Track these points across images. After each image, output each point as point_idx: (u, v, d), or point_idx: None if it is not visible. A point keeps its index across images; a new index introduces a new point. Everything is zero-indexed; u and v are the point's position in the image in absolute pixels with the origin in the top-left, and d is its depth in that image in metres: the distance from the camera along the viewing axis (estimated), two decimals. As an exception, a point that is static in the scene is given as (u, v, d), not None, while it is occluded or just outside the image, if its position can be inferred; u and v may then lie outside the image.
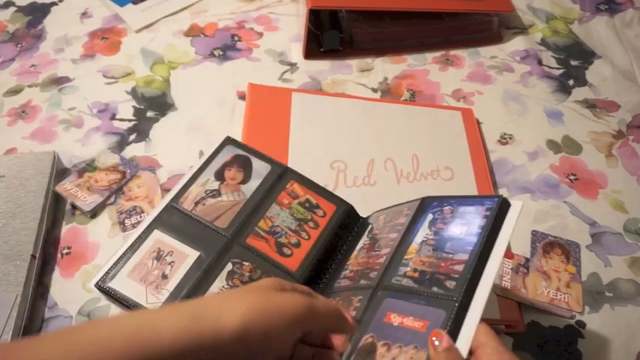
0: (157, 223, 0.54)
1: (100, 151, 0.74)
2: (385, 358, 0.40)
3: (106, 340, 0.31)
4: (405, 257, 0.46)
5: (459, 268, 0.41)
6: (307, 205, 0.57)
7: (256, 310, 0.34)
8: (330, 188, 0.61)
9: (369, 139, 0.74)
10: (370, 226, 0.56)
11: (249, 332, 0.33)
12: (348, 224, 0.57)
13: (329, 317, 0.39)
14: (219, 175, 0.58)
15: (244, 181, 0.58)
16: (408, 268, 0.45)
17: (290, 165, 0.61)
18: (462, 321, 0.38)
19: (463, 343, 0.37)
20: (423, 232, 0.48)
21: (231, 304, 0.35)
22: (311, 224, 0.56)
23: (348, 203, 0.58)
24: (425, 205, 0.51)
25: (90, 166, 0.72)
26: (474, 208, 0.46)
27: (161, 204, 0.56)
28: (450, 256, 0.43)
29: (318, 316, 0.37)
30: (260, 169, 0.59)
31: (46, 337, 0.31)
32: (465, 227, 0.45)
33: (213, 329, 0.33)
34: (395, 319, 0.42)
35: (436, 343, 0.36)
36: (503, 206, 0.44)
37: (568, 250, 0.65)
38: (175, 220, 0.54)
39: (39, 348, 0.30)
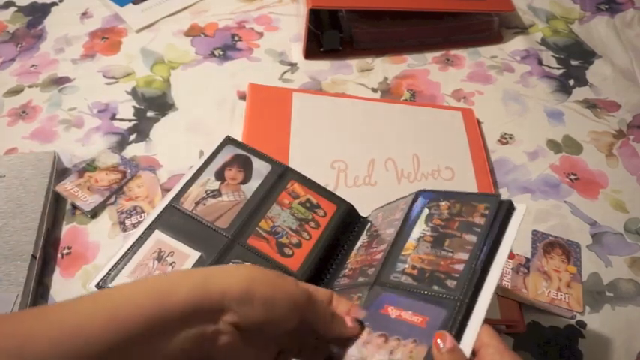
0: (157, 223, 0.54)
1: (100, 151, 0.74)
2: (382, 349, 0.40)
3: (129, 295, 0.34)
4: (403, 253, 0.46)
5: (459, 267, 0.42)
6: (308, 205, 0.57)
7: (261, 278, 0.37)
8: (330, 188, 0.61)
9: (370, 139, 0.74)
10: (369, 224, 0.56)
11: (253, 297, 0.36)
12: (349, 224, 0.57)
13: (323, 314, 0.41)
14: (220, 175, 0.58)
15: (245, 181, 0.58)
16: (407, 265, 0.45)
17: (291, 165, 0.60)
18: (466, 323, 0.38)
19: (466, 344, 0.37)
20: (419, 228, 0.47)
21: (241, 270, 0.38)
22: (312, 224, 0.55)
23: (348, 203, 0.58)
24: (418, 198, 0.51)
25: (90, 166, 0.72)
26: (471, 206, 0.46)
27: (161, 204, 0.56)
28: (450, 254, 0.43)
29: (315, 307, 0.40)
30: (260, 169, 0.59)
31: (77, 298, 0.34)
32: (462, 225, 0.45)
33: (221, 289, 0.35)
34: (393, 312, 0.42)
35: (440, 344, 0.36)
36: (503, 206, 0.44)
37: (568, 250, 0.65)
38: (176, 220, 0.54)
39: (73, 306, 0.33)
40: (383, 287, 0.45)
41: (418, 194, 0.51)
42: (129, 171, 0.72)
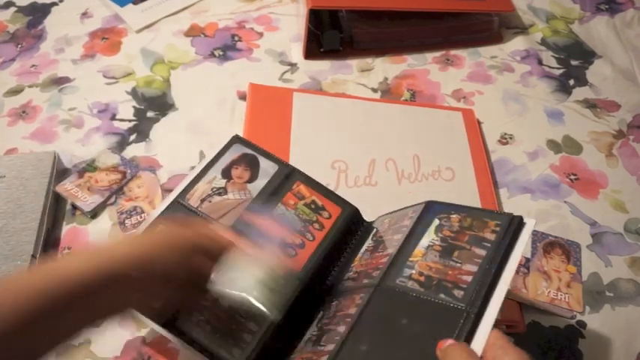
0: (162, 218, 0.54)
1: (100, 152, 0.74)
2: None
3: (73, 262, 0.41)
4: (410, 259, 0.46)
5: (467, 278, 0.42)
6: (313, 206, 0.57)
7: (160, 241, 0.45)
8: (331, 188, 0.61)
9: (370, 140, 0.74)
10: (375, 229, 0.56)
11: (154, 262, 0.43)
12: (352, 227, 0.57)
13: (211, 248, 0.46)
14: (226, 173, 0.58)
15: (251, 180, 0.58)
16: (414, 271, 0.45)
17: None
18: (473, 333, 0.39)
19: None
20: (428, 237, 0.48)
21: (145, 239, 0.47)
22: (316, 226, 0.56)
23: (353, 206, 0.58)
24: (429, 208, 0.51)
25: (90, 167, 0.72)
26: (482, 222, 0.46)
27: (167, 200, 0.56)
28: (458, 265, 0.44)
29: (200, 248, 0.46)
30: (267, 168, 0.59)
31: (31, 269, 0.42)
32: (472, 238, 0.45)
33: (139, 252, 0.43)
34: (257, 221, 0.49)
35: (441, 345, 0.37)
36: (514, 221, 0.44)
37: (568, 250, 0.65)
38: (181, 216, 0.55)
39: (26, 276, 0.40)
40: (388, 290, 0.45)
41: (429, 204, 0.51)
42: (129, 171, 0.72)
